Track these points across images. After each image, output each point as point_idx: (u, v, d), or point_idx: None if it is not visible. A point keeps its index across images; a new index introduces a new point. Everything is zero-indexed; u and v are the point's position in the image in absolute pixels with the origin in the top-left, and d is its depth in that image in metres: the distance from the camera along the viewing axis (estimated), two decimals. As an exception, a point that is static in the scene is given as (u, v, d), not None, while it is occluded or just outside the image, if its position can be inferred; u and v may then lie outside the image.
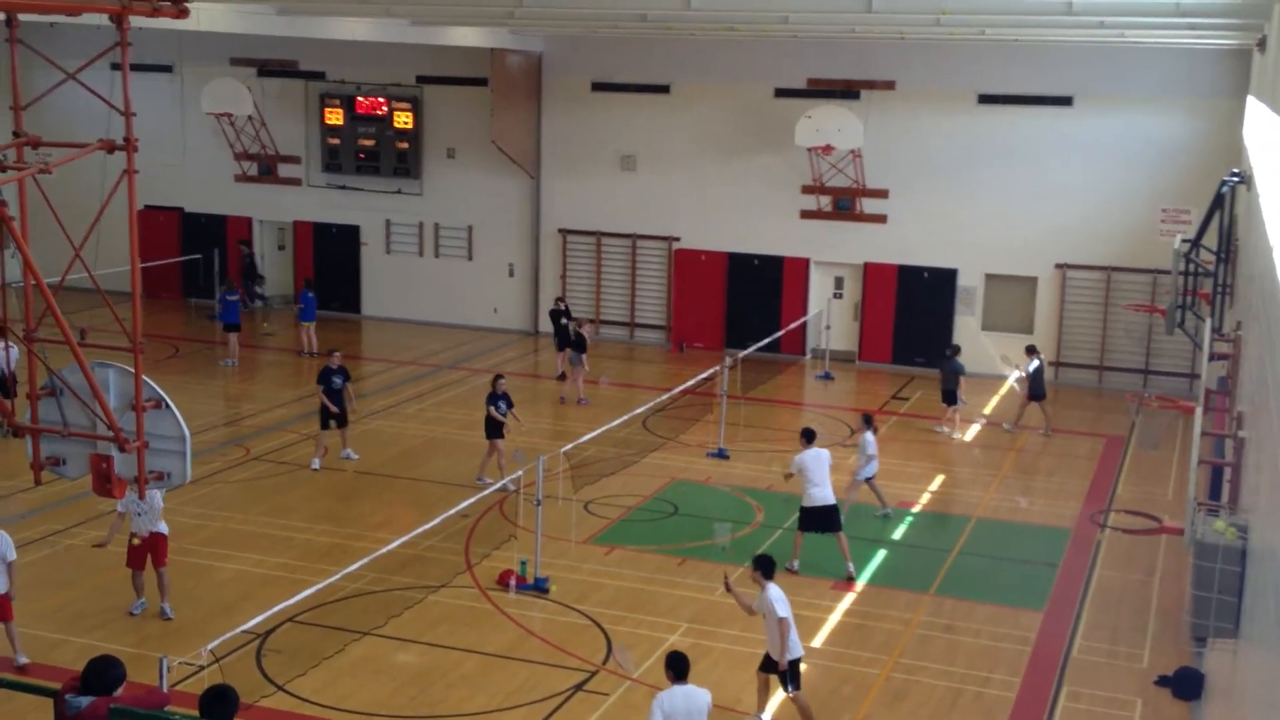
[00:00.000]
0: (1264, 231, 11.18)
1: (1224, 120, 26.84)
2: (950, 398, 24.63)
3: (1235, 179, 18.25)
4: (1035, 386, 24.62)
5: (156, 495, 15.14)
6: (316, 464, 21.36)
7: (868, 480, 19.32)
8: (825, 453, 17.45)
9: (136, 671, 12.28)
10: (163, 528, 15.47)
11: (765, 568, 13.20)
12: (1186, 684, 14.13)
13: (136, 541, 15.41)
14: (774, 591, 13.04)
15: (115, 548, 15.76)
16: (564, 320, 28.11)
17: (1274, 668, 6.03)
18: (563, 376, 27.83)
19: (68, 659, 14.07)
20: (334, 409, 21.31)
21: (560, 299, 29.71)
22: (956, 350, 25.37)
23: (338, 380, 21.25)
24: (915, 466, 22.72)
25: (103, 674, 8.90)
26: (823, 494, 17.08)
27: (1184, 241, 19.65)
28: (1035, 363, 24.69)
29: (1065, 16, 18.95)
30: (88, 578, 16.24)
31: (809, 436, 17.46)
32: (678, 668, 10.99)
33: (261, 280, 34.89)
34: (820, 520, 17.21)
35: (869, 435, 19.19)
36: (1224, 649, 10.12)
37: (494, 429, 20.63)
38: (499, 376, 21.29)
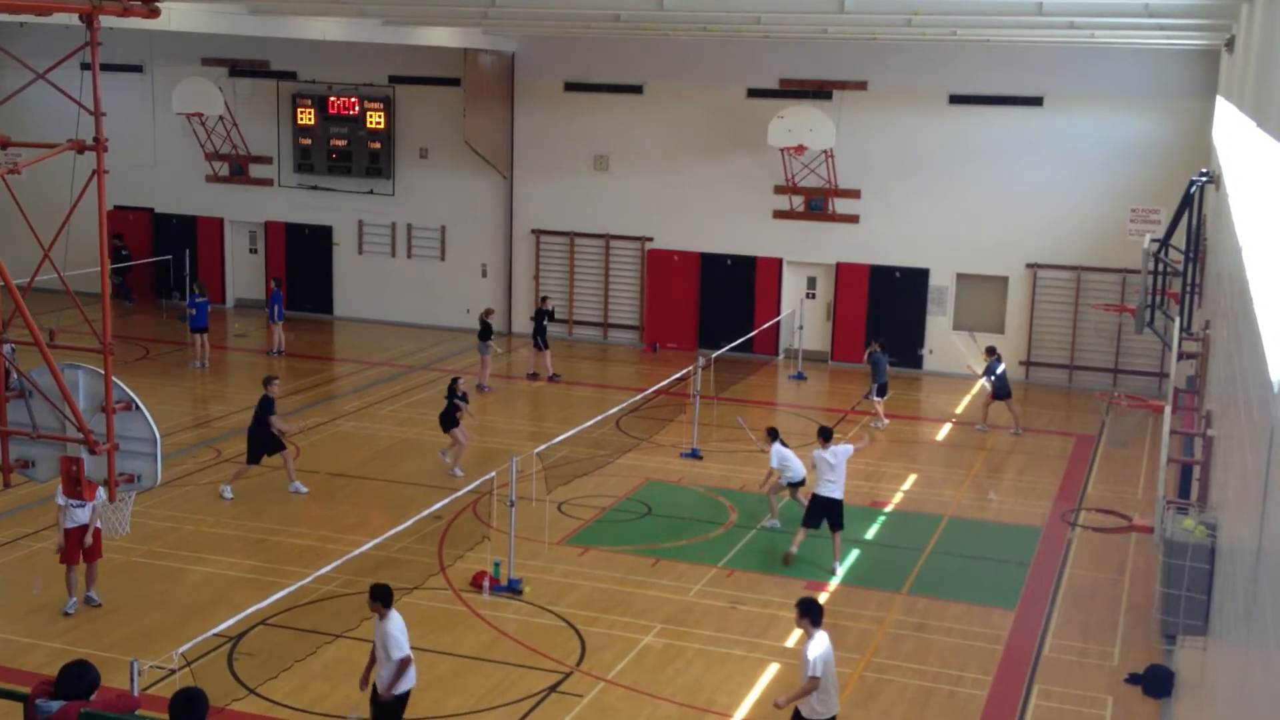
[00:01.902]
0: (1232, 231, 11.27)
1: (1193, 120, 27.05)
2: (883, 390, 24.89)
3: (1204, 179, 18.38)
4: (999, 386, 24.81)
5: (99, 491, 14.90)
6: (229, 492, 19.82)
7: (790, 485, 19.13)
8: (843, 449, 17.72)
9: (107, 675, 12.20)
10: (98, 523, 15.32)
11: (814, 614, 11.85)
12: (1157, 681, 14.23)
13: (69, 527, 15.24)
14: (814, 645, 11.75)
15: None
16: (546, 321, 28.28)
17: (1242, 664, 6.08)
18: (534, 375, 28.04)
19: (37, 663, 13.97)
20: (285, 430, 20.15)
21: (545, 299, 29.78)
22: (884, 345, 25.49)
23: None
24: (888, 466, 22.80)
25: (78, 679, 8.86)
26: (832, 490, 17.41)
27: (1153, 241, 19.80)
28: (999, 364, 24.87)
29: (1035, 17, 19.05)
30: (59, 581, 16.10)
31: (826, 435, 17.75)
32: (384, 597, 12.10)
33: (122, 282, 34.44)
34: (823, 512, 17.49)
35: (777, 446, 18.96)
36: (1193, 646, 10.19)
37: (450, 421, 21.18)
38: (458, 379, 21.76)
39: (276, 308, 29.80)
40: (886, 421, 25.06)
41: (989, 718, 13.87)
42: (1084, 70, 27.86)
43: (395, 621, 12.11)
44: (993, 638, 15.82)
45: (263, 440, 19.87)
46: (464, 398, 21.53)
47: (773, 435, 19.14)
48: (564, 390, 27.62)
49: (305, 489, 20.24)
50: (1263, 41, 10.59)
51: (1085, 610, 16.78)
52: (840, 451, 17.56)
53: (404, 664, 12.07)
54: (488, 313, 27.34)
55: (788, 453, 19.03)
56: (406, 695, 12.24)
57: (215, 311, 32.01)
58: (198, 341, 28.69)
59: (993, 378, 24.84)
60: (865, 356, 26.13)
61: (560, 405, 26.35)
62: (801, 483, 19.13)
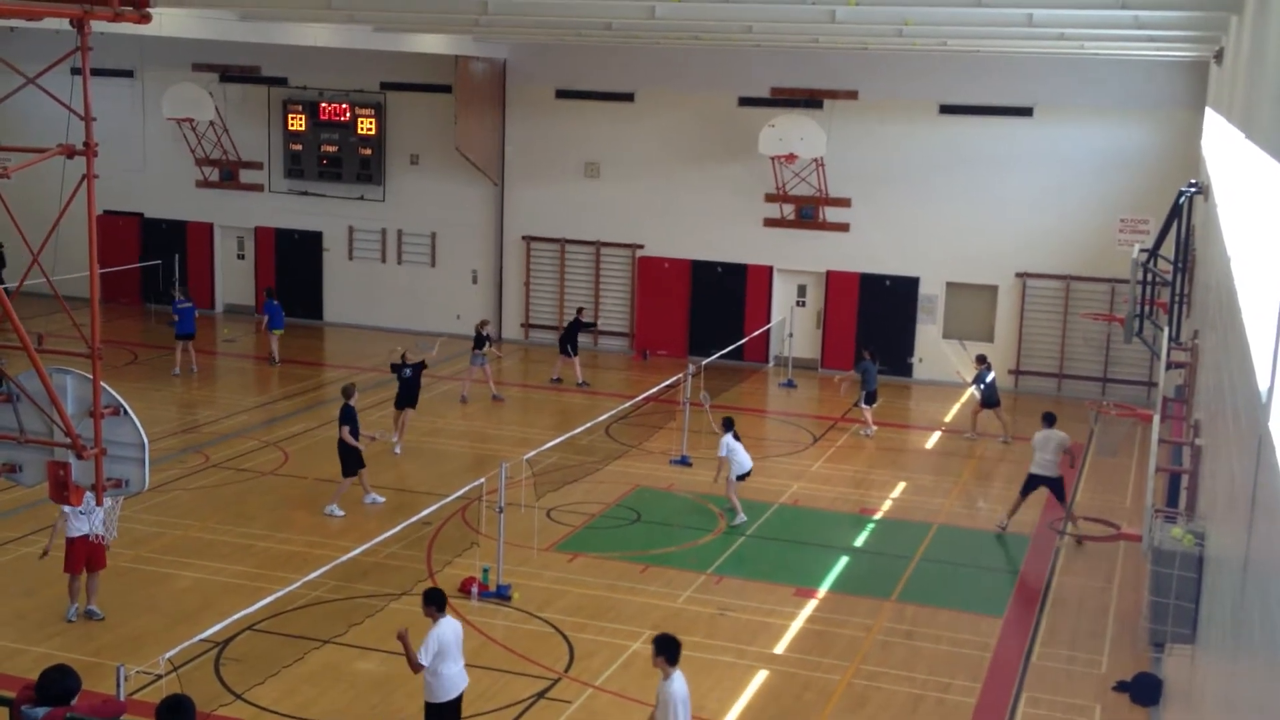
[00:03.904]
0: (1221, 241, 11.31)
1: (1182, 131, 27.14)
2: (872, 398, 24.99)
3: (1193, 189, 18.44)
4: (988, 394, 24.87)
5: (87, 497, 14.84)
6: (337, 510, 19.58)
7: (740, 478, 19.77)
8: (1056, 434, 19.30)
9: (94, 680, 12.19)
10: (100, 529, 15.25)
11: (670, 651, 10.99)
12: (1144, 689, 14.25)
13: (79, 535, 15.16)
14: (676, 686, 10.90)
15: (57, 553, 15.58)
16: (579, 332, 28.73)
17: (1230, 673, 6.09)
18: (558, 380, 28.44)
19: (24, 668, 13.91)
20: (361, 447, 19.68)
21: (581, 310, 29.92)
22: (873, 354, 25.59)
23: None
24: (877, 474, 22.82)
25: (57, 684, 8.84)
26: (1046, 469, 19.24)
27: (1142, 251, 19.85)
28: (989, 373, 24.95)
29: (1026, 28, 19.10)
30: (46, 586, 16.06)
31: (1050, 420, 19.59)
32: (438, 601, 12.18)
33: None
34: (1038, 486, 19.41)
35: (728, 438, 19.66)
36: (1181, 654, 10.21)
37: (404, 399, 22.78)
38: (406, 352, 23.20)
39: (271, 317, 29.43)
40: (875, 429, 25.08)
41: (977, 726, 13.88)
42: (1074, 81, 27.94)
43: (436, 627, 12.12)
44: (981, 645, 15.84)
45: (350, 451, 19.64)
46: (422, 361, 22.98)
47: (727, 425, 19.86)
48: (554, 396, 27.61)
49: (381, 499, 20.06)
50: (1251, 53, 10.63)
51: (1073, 618, 16.80)
52: (1053, 436, 19.23)
53: (422, 670, 12.06)
54: (483, 324, 27.23)
55: (737, 445, 19.64)
56: (433, 707, 12.18)
57: (204, 317, 31.83)
58: (179, 348, 28.10)
59: (981, 385, 24.90)
60: (854, 365, 26.22)
61: (550, 411, 26.33)
62: (747, 474, 19.77)
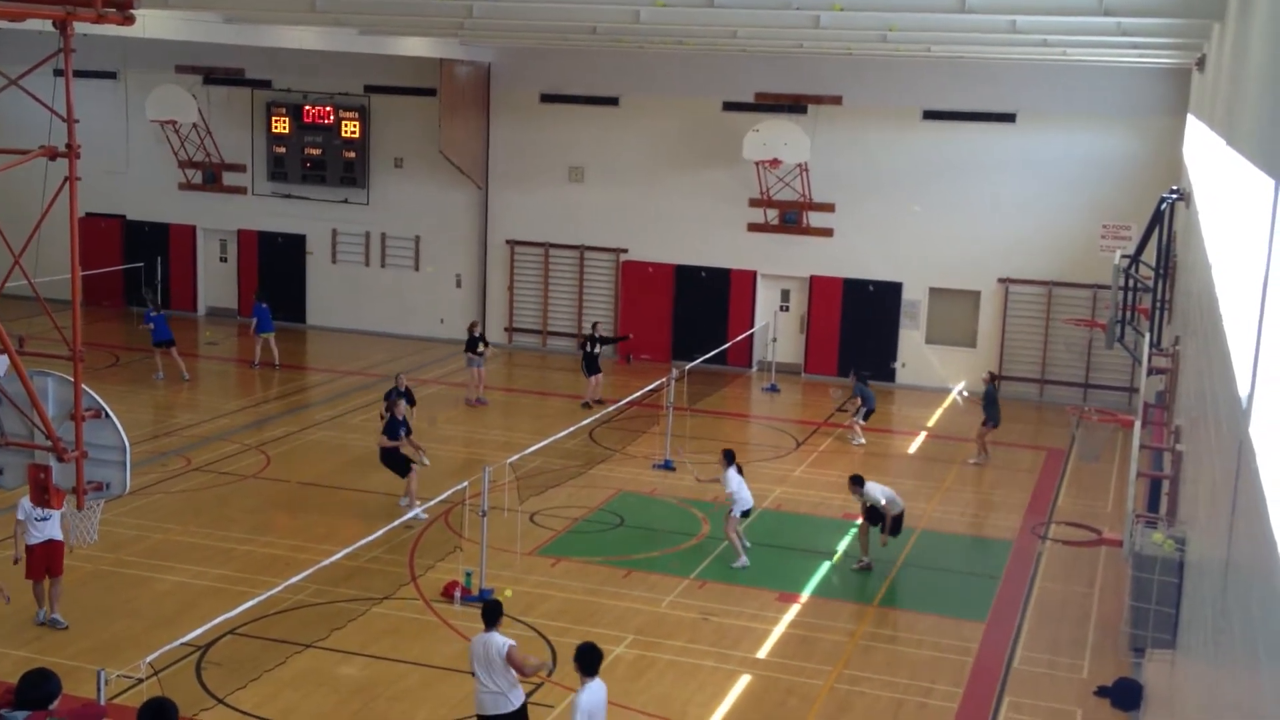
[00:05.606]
0: (1202, 248, 11.37)
1: (1164, 138, 27.27)
2: (869, 414, 24.96)
3: (1174, 196, 18.53)
4: (990, 412, 24.40)
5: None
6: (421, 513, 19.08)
7: (744, 514, 18.40)
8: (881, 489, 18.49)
9: (74, 684, 12.13)
10: (59, 535, 15.18)
11: (582, 660, 11.06)
12: (1125, 694, 14.28)
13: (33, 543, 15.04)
14: (585, 695, 10.87)
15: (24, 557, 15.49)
16: (596, 349, 27.11)
17: (1210, 678, 6.12)
18: (591, 403, 26.73)
19: (4, 671, 13.83)
20: (414, 450, 19.80)
21: (596, 324, 28.35)
22: (858, 374, 25.43)
23: (403, 430, 19.69)
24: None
25: (36, 687, 8.78)
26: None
27: (1124, 257, 19.92)
28: (987, 389, 24.84)
29: (1009, 34, 19.17)
30: (25, 589, 15.96)
31: (859, 481, 18.37)
32: (486, 617, 12.08)
33: None
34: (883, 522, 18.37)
35: (731, 471, 18.12)
36: (1162, 660, 10.24)
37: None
38: (400, 375, 22.55)
39: (259, 320, 29.28)
40: (864, 441, 24.94)
41: (959, 730, 13.91)
42: (1056, 87, 28.05)
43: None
44: (963, 650, 15.87)
45: (394, 454, 19.62)
46: (408, 395, 21.47)
47: (729, 459, 18.34)
48: (537, 401, 27.59)
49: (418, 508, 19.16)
50: (1233, 60, 10.68)
51: (1055, 623, 16.85)
52: (875, 489, 18.27)
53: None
54: (474, 325, 27.16)
55: (741, 480, 18.20)
56: None
57: (186, 320, 31.63)
58: (158, 353, 27.82)
59: (978, 396, 24.94)
60: (854, 390, 25.50)
61: (533, 416, 26.29)
62: (748, 513, 18.47)
